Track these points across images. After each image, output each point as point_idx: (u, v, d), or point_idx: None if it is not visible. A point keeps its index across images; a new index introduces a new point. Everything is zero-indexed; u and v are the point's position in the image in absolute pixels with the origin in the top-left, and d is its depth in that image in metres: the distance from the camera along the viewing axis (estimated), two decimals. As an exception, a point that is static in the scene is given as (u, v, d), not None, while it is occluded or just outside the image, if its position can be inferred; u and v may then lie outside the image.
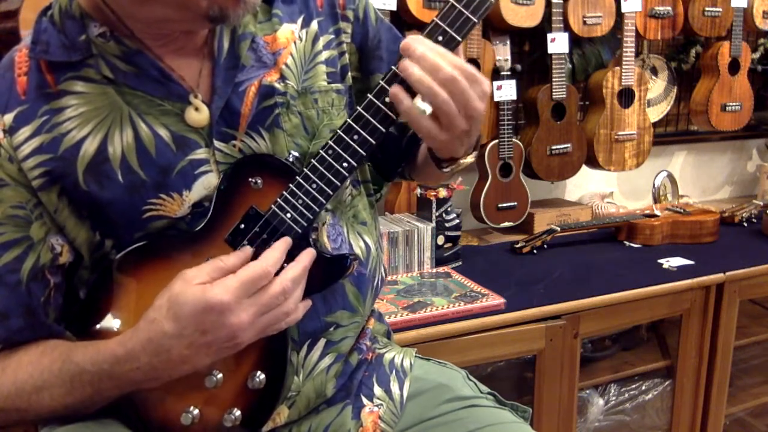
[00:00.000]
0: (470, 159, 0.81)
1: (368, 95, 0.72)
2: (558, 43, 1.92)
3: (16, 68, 0.74)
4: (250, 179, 0.75)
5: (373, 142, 0.73)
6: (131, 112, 0.73)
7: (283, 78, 0.79)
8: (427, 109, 0.67)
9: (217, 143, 0.76)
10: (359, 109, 0.72)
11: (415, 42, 0.67)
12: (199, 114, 0.75)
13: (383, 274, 0.95)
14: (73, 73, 0.73)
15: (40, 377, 0.71)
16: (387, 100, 0.71)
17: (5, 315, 0.73)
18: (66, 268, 0.77)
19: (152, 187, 0.74)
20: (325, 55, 0.83)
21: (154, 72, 0.73)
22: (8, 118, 0.72)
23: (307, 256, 0.74)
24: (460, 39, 0.69)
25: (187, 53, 0.76)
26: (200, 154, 0.76)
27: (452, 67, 0.66)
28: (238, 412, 0.75)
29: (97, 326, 0.75)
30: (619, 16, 2.00)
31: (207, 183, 0.76)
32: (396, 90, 0.68)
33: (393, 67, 0.70)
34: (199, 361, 0.69)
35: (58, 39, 0.72)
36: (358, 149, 0.73)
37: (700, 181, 2.61)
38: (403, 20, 1.77)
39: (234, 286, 0.67)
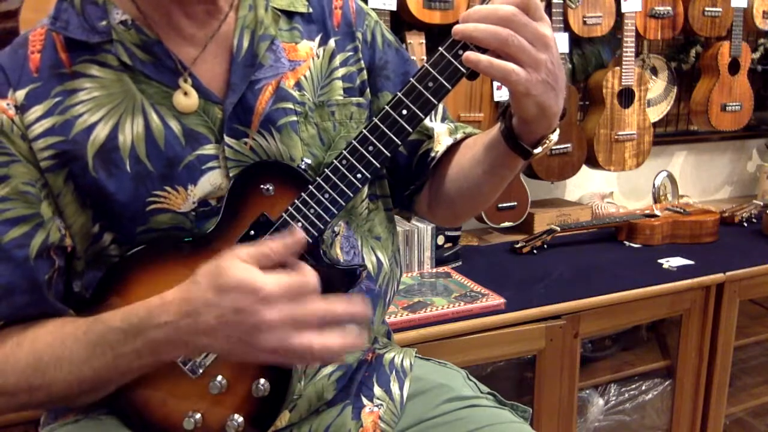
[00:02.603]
0: (556, 135, 0.76)
1: (385, 106, 0.72)
2: (558, 43, 1.91)
3: (29, 46, 0.74)
4: (261, 185, 0.75)
5: (388, 154, 0.73)
6: (144, 101, 0.74)
7: (300, 87, 0.80)
8: None
9: (228, 139, 0.76)
10: (375, 119, 0.72)
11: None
12: (187, 99, 0.75)
13: (396, 288, 0.94)
14: (90, 56, 0.73)
15: (63, 343, 0.69)
16: (404, 112, 0.71)
17: (10, 290, 0.71)
18: (68, 253, 0.77)
19: (158, 178, 0.74)
20: (341, 71, 0.84)
21: (171, 63, 0.74)
22: (20, 94, 0.72)
23: (361, 304, 0.67)
24: None
25: (195, 43, 0.77)
26: (209, 149, 0.76)
27: (506, 8, 0.66)
28: (240, 419, 0.75)
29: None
30: (619, 16, 2.00)
31: (213, 180, 0.76)
32: (468, 54, 0.67)
33: (411, 79, 0.71)
34: (217, 342, 0.65)
35: (77, 21, 0.73)
36: (373, 161, 0.73)
37: (700, 181, 2.61)
38: (403, 20, 1.76)
39: (285, 284, 0.63)
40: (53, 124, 0.72)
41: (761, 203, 2.23)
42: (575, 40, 2.03)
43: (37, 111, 0.72)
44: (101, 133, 0.73)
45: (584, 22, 1.96)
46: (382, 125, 0.72)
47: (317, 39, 0.84)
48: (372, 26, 0.89)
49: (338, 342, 0.64)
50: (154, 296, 0.68)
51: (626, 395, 1.80)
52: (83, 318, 0.71)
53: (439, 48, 0.70)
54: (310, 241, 0.74)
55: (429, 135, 0.91)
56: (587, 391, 1.75)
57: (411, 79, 0.71)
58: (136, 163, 0.73)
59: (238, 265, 0.64)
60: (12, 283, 0.71)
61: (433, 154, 0.90)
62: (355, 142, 0.73)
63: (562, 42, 1.93)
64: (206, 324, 0.64)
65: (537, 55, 0.67)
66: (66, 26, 0.73)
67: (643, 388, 1.81)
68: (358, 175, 0.73)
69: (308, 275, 0.65)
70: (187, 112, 0.75)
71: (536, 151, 0.75)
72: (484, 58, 0.66)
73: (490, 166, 0.82)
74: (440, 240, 1.71)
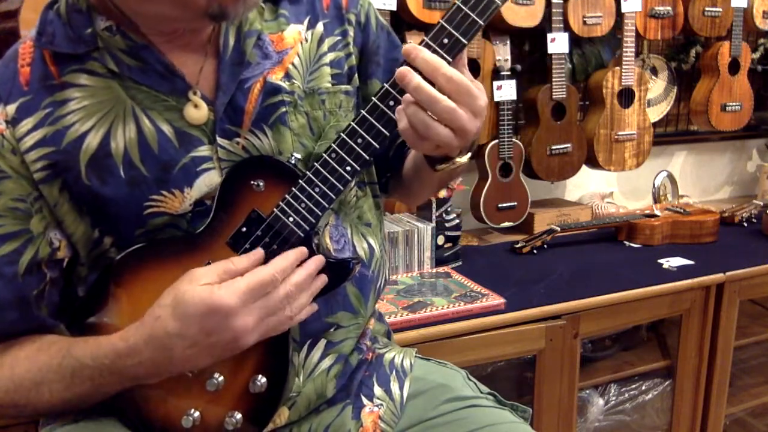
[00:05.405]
0: (465, 159, 0.78)
1: (372, 98, 0.71)
2: (558, 43, 1.92)
3: (19, 59, 0.74)
4: (252, 182, 0.74)
5: (377, 146, 0.72)
6: (135, 106, 0.73)
7: (288, 76, 0.79)
8: None
9: (220, 140, 0.76)
10: (363, 112, 0.72)
11: (415, 52, 0.66)
12: (198, 111, 0.75)
13: (387, 276, 0.95)
14: (78, 66, 0.73)
15: (39, 373, 0.71)
16: (391, 103, 0.70)
17: (0, 307, 0.72)
18: (64, 263, 0.77)
19: (153, 183, 0.74)
20: (330, 56, 0.83)
21: (159, 67, 0.74)
22: (11, 108, 0.72)
23: (314, 263, 0.74)
24: (465, 42, 0.68)
25: (192, 50, 0.76)
26: (203, 151, 0.75)
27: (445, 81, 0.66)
28: (239, 415, 0.75)
29: (93, 320, 0.75)
30: (619, 16, 2.00)
31: (209, 181, 0.75)
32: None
33: (399, 69, 0.70)
34: (200, 360, 0.69)
35: (63, 31, 0.73)
36: (362, 153, 0.72)
37: (700, 181, 2.61)
38: (403, 20, 1.76)
39: (241, 290, 0.66)
40: (44, 135, 0.72)
41: (761, 203, 2.23)
42: (575, 40, 2.03)
43: (28, 123, 0.72)
44: (93, 141, 0.72)
45: (584, 22, 1.96)
46: (370, 117, 0.71)
47: (305, 21, 0.82)
48: (366, 8, 0.88)
49: (307, 299, 0.73)
50: (116, 335, 0.70)
51: (626, 395, 1.80)
52: (57, 346, 0.73)
53: (424, 38, 0.69)
54: (302, 235, 0.74)
55: None
56: (587, 391, 1.75)
57: (398, 69, 0.70)
58: (130, 168, 0.73)
59: (195, 288, 0.66)
60: (1, 299, 0.72)
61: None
62: (344, 135, 0.72)
63: (562, 42, 1.93)
64: (182, 354, 0.67)
65: (451, 141, 0.68)
66: (52, 40, 0.73)
67: (643, 388, 1.80)
68: (348, 168, 0.73)
69: (261, 271, 0.69)
70: (198, 124, 0.75)
71: (438, 167, 0.76)
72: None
73: (414, 164, 0.89)
74: (440, 240, 1.71)
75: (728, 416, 1.87)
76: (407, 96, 0.67)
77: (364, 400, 0.87)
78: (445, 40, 0.68)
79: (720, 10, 2.15)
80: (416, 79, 0.66)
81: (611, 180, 2.41)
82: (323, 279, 0.75)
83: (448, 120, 0.67)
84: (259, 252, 0.73)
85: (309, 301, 0.73)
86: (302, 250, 0.73)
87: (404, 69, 0.66)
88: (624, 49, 2.01)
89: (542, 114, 1.98)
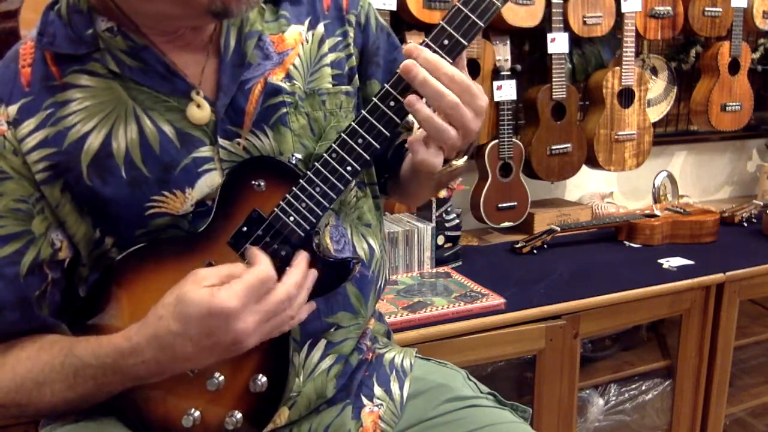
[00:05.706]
0: (462, 162, 0.79)
1: (373, 99, 0.71)
2: (558, 43, 1.92)
3: (20, 60, 0.74)
4: (253, 182, 0.75)
5: (378, 146, 0.72)
6: (136, 107, 0.73)
7: (289, 77, 0.79)
8: None
9: (221, 141, 0.76)
10: (364, 112, 0.72)
11: (417, 51, 0.67)
12: (200, 111, 0.75)
13: (387, 276, 0.95)
14: (79, 67, 0.73)
15: (41, 372, 0.71)
16: (392, 104, 0.70)
17: (1, 307, 0.72)
18: (65, 264, 0.77)
19: (155, 183, 0.74)
20: (330, 57, 0.83)
21: (160, 68, 0.73)
22: (12, 109, 0.72)
23: (302, 258, 0.74)
24: (465, 43, 0.69)
25: (193, 50, 0.76)
26: (204, 151, 0.76)
27: (448, 80, 0.67)
28: (239, 415, 0.75)
29: (94, 321, 0.75)
30: (619, 16, 2.00)
31: (210, 181, 0.75)
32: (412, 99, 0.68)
33: (399, 71, 0.70)
34: (203, 360, 0.69)
35: (64, 32, 0.73)
36: (362, 153, 0.72)
37: (700, 181, 2.61)
38: (403, 20, 1.77)
39: (241, 291, 0.66)
40: (46, 136, 0.72)
41: (761, 203, 2.23)
42: (575, 40, 2.03)
43: (30, 124, 0.72)
44: (95, 141, 0.72)
45: (584, 22, 1.96)
46: (371, 117, 0.71)
47: (306, 22, 0.83)
48: (366, 8, 0.88)
49: (304, 297, 0.73)
50: (118, 335, 0.70)
51: (626, 395, 1.80)
52: (58, 345, 0.73)
53: (425, 39, 0.69)
54: (303, 235, 0.74)
55: (406, 127, 0.93)
56: (587, 391, 1.75)
57: (398, 71, 0.70)
58: (131, 168, 0.73)
59: (197, 289, 0.66)
60: (2, 300, 0.72)
61: (406, 145, 0.91)
62: (344, 135, 0.72)
63: (562, 42, 1.93)
64: (184, 352, 0.67)
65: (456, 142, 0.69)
66: (53, 41, 0.72)
67: (643, 388, 1.81)
68: (348, 168, 0.73)
69: (259, 270, 0.69)
70: (200, 124, 0.75)
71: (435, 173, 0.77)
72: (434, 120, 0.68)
73: (412, 165, 0.88)
74: (440, 240, 1.71)
75: (728, 416, 1.87)
76: (411, 98, 0.67)
77: (364, 400, 0.87)
78: (446, 41, 0.68)
79: (720, 10, 2.15)
80: (422, 72, 0.66)
81: (611, 180, 2.41)
82: (314, 273, 0.75)
83: (453, 117, 0.67)
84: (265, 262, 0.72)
85: (306, 299, 0.74)
86: (303, 254, 0.74)
87: (409, 63, 0.67)
88: (624, 49, 2.02)
89: (542, 114, 1.98)
